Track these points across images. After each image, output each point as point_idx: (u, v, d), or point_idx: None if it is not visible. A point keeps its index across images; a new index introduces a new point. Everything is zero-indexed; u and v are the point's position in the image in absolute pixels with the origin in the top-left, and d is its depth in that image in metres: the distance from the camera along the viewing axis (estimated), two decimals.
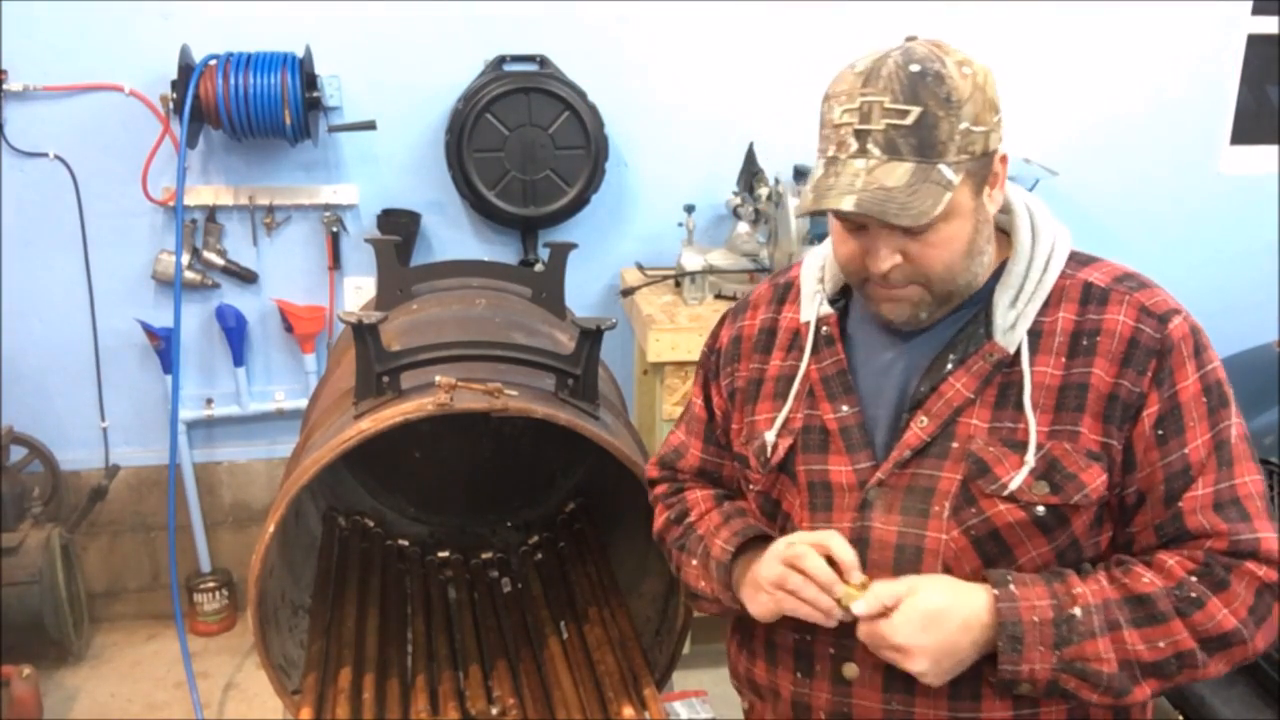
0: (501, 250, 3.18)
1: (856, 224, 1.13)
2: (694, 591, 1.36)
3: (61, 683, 2.95)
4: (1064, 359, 1.15)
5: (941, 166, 1.07)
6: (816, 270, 1.32)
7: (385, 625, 2.01)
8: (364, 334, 1.70)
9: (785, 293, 1.36)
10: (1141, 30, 3.32)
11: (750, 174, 2.95)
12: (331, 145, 3.03)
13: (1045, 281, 1.18)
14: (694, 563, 1.34)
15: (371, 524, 2.38)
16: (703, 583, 1.32)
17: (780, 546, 1.19)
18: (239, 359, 3.11)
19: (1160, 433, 1.13)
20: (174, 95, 2.77)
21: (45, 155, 2.89)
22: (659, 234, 3.21)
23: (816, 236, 2.84)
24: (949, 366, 1.18)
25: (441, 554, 2.35)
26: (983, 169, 1.12)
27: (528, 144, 2.99)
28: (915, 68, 1.06)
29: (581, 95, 3.00)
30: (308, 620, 1.99)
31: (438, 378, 1.63)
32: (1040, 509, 1.13)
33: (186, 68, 2.74)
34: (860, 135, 1.07)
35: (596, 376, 1.87)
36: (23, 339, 3.03)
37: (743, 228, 2.91)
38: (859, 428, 1.22)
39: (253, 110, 2.76)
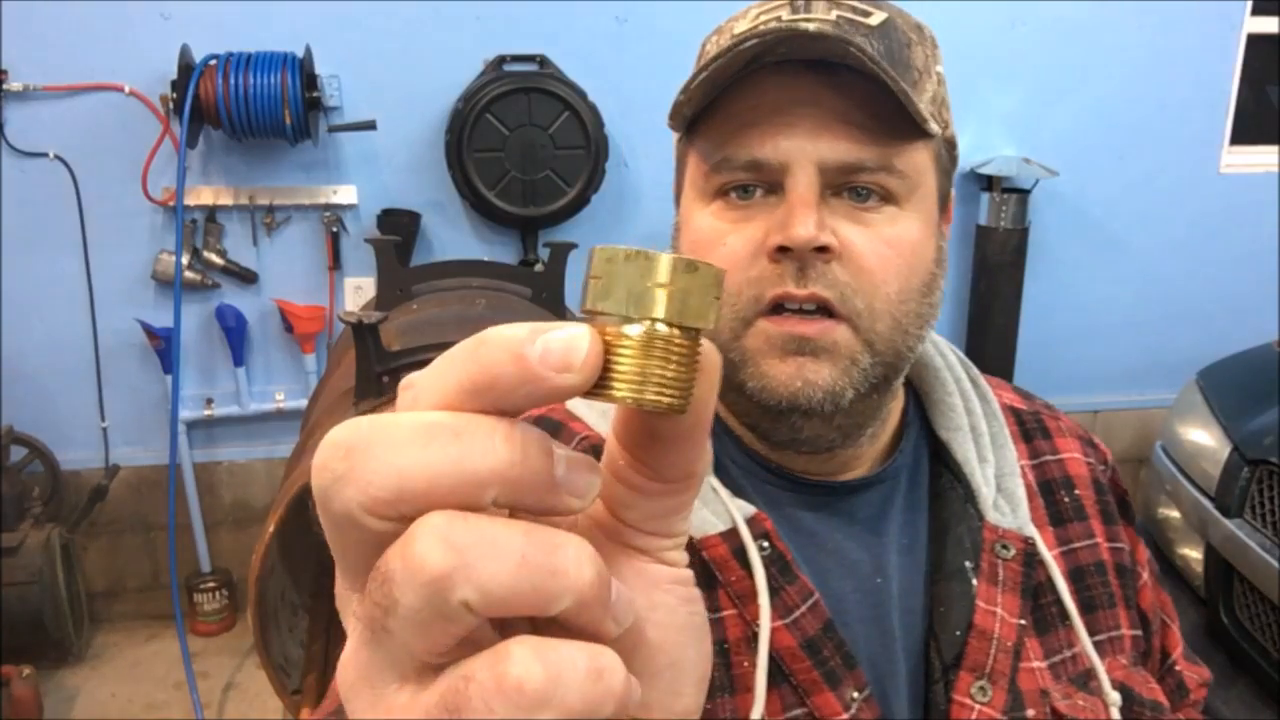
0: (501, 250, 3.18)
1: (761, 182, 0.70)
2: None
3: (61, 683, 2.95)
4: (1052, 528, 0.77)
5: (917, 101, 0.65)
6: None
7: None
8: (364, 334, 1.70)
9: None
10: (1141, 30, 3.33)
11: None
12: (331, 145, 3.03)
13: (994, 408, 0.79)
14: None
15: None
16: None
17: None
18: (239, 359, 3.11)
19: (1152, 587, 0.83)
20: (174, 95, 2.77)
21: (45, 155, 2.89)
22: (659, 234, 3.18)
23: None
24: (974, 581, 0.71)
25: None
26: (948, 166, 0.72)
27: (528, 144, 2.99)
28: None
29: (581, 95, 3.00)
30: (308, 620, 1.99)
31: None
32: None
33: (186, 68, 2.74)
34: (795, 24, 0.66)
35: None
36: (23, 339, 3.03)
37: None
38: None
39: (253, 110, 2.76)
